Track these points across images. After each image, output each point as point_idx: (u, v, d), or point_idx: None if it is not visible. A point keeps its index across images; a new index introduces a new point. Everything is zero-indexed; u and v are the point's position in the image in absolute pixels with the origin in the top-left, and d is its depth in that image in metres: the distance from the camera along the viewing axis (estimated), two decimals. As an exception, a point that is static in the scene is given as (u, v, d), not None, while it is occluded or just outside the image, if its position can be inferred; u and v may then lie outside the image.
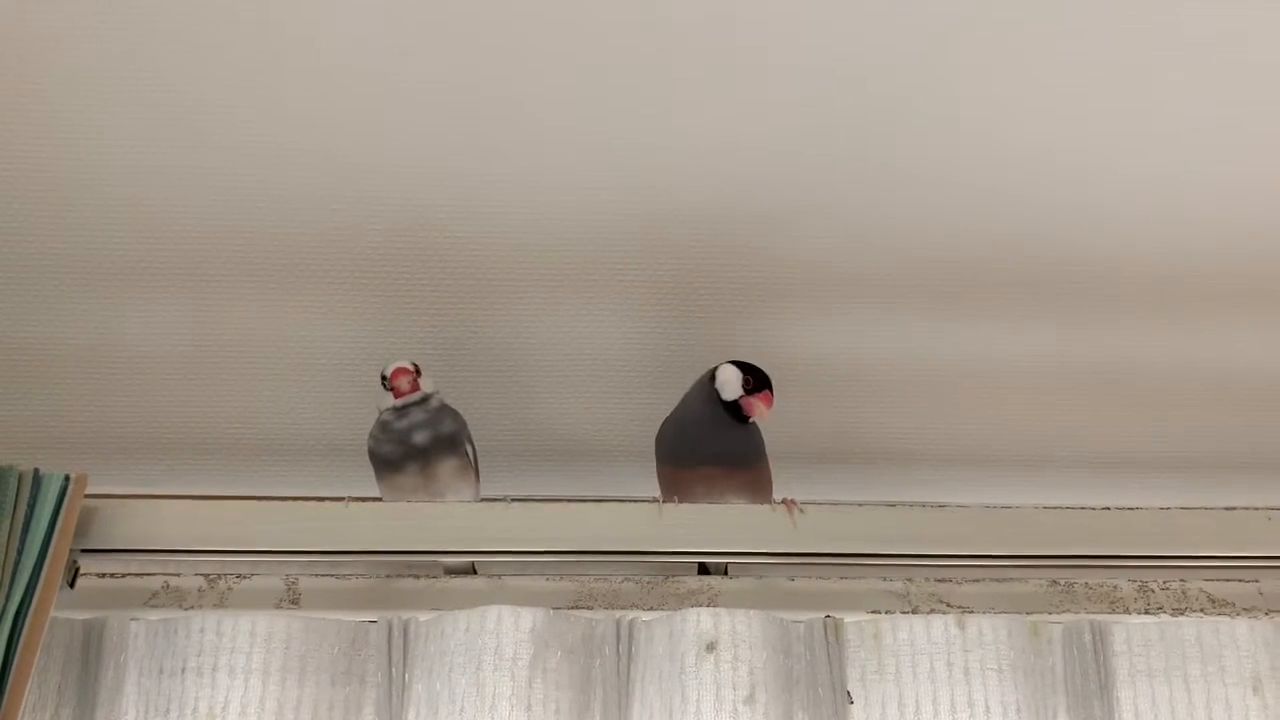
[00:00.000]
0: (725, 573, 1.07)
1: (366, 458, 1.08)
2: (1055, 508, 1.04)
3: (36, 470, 0.95)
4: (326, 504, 1.04)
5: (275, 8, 0.96)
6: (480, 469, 1.10)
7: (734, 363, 1.06)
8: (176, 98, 1.01)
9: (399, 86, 1.01)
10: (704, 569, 1.07)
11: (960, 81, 1.01)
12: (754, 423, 1.06)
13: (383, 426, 1.07)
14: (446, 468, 1.06)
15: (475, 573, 1.07)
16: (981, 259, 1.13)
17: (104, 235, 1.09)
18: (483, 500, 1.08)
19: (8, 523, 0.92)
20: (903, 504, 1.03)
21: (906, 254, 1.12)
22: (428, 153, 1.05)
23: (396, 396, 1.07)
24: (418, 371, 1.08)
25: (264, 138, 1.04)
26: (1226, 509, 1.05)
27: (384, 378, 1.08)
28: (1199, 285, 1.15)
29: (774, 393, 1.05)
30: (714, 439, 1.05)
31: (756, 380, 1.05)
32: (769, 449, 1.08)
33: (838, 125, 1.04)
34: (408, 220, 1.09)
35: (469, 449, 1.09)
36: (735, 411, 1.05)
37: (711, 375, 1.06)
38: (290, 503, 1.05)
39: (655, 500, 1.03)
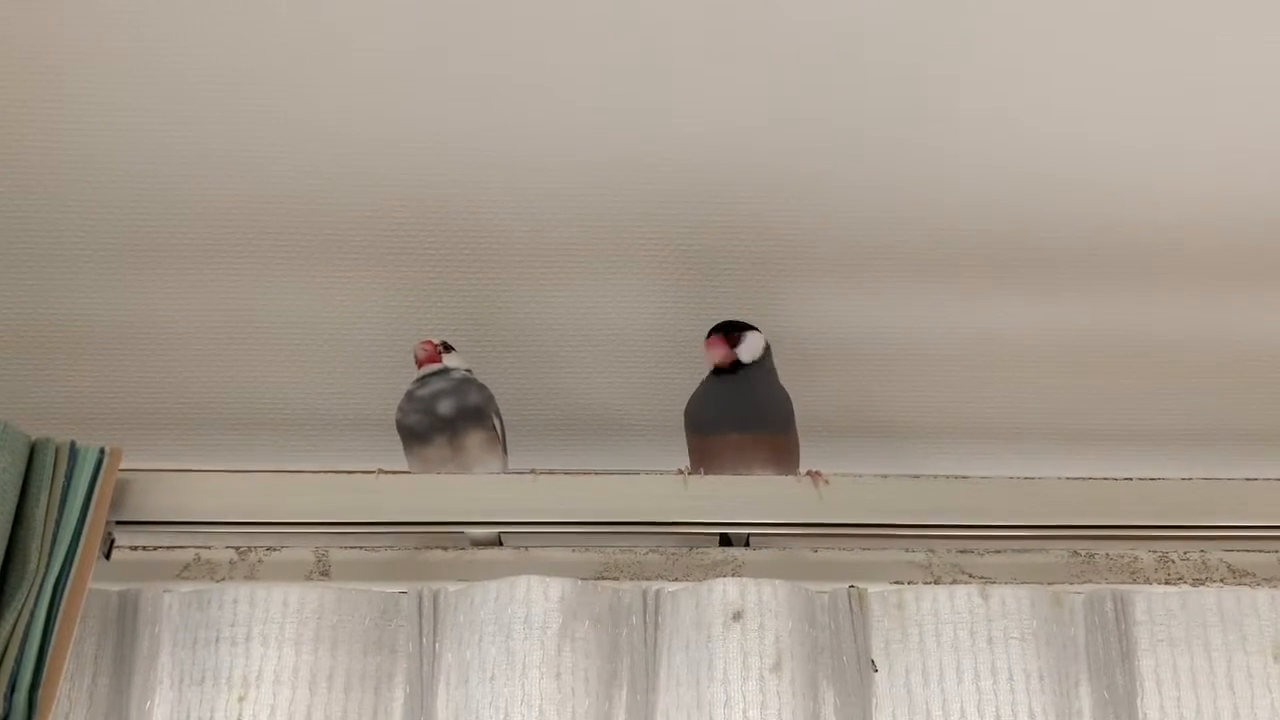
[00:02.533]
0: (747, 544, 1.08)
1: (394, 431, 1.09)
2: (1076, 479, 1.05)
3: (73, 443, 0.97)
4: (356, 476, 1.04)
5: (299, 5, 0.97)
6: (508, 443, 1.12)
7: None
8: (208, 80, 1.02)
9: (424, 68, 1.02)
10: (725, 540, 1.08)
11: (977, 59, 1.02)
12: (782, 389, 1.08)
13: (408, 396, 1.09)
14: (474, 440, 1.08)
15: (501, 544, 1.08)
16: (1003, 232, 1.14)
17: (136, 214, 1.10)
18: (510, 472, 1.09)
19: (45, 494, 0.94)
20: (925, 476, 1.04)
21: (928, 228, 1.13)
22: (453, 132, 1.06)
23: (418, 365, 1.10)
24: (444, 346, 1.10)
25: (292, 118, 1.05)
26: (1247, 479, 1.05)
27: (415, 353, 1.11)
28: (1220, 256, 1.15)
29: (722, 335, 1.08)
30: (736, 404, 1.06)
31: (710, 331, 1.08)
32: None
33: (857, 99, 1.05)
34: (434, 197, 1.10)
35: (496, 422, 1.10)
36: (718, 371, 1.08)
37: None
38: (320, 475, 1.07)
39: (681, 471, 1.04)
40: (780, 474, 1.06)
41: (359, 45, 1.01)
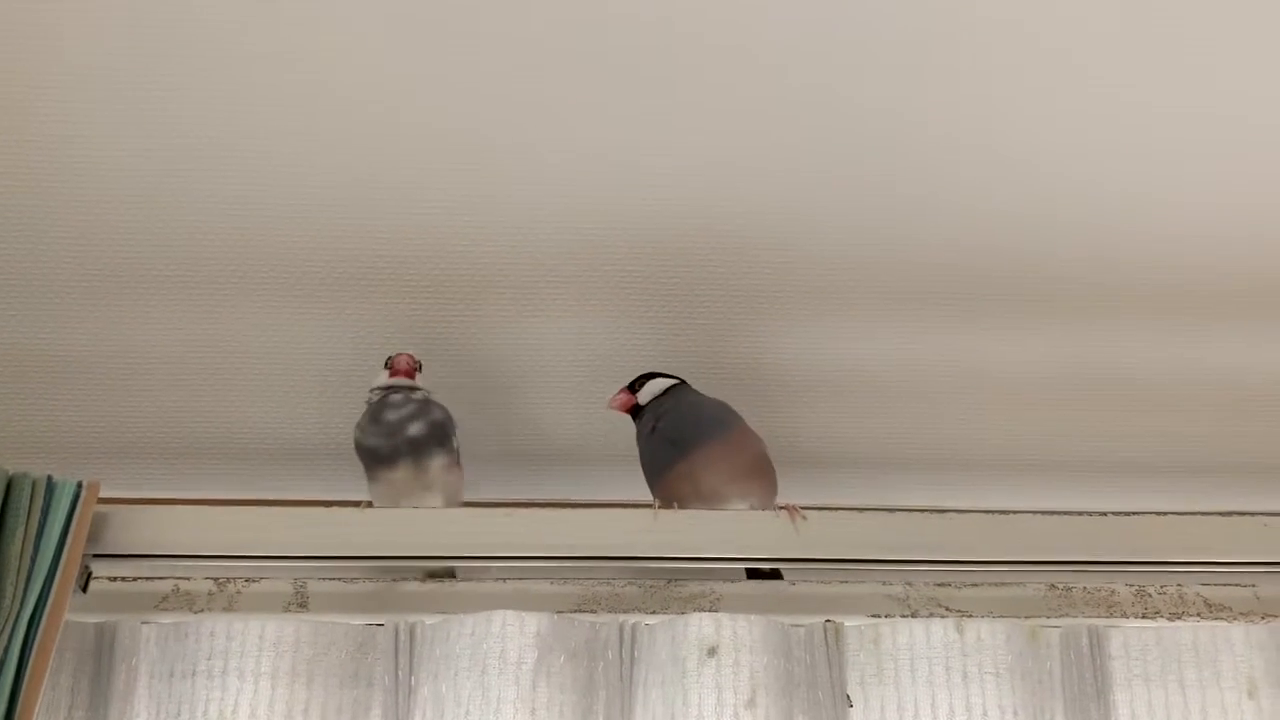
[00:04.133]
0: (780, 575, 1.08)
1: (374, 462, 1.09)
2: (1053, 513, 1.05)
3: (50, 477, 0.97)
4: (334, 509, 1.05)
5: (276, 33, 0.98)
6: (466, 471, 1.12)
7: None
8: (191, 118, 1.04)
9: (397, 107, 1.03)
10: (754, 574, 1.08)
11: (955, 91, 1.03)
12: (708, 399, 1.10)
13: (371, 417, 1.08)
14: (437, 463, 1.07)
15: (455, 577, 1.08)
16: (979, 266, 1.14)
17: (116, 246, 1.11)
18: (485, 505, 1.09)
19: (21, 529, 0.94)
20: (902, 509, 1.04)
21: (904, 261, 1.13)
22: (423, 165, 1.07)
23: (392, 374, 1.09)
24: (419, 366, 1.11)
25: (265, 155, 1.06)
26: (1223, 514, 1.06)
27: (388, 360, 1.10)
28: (1197, 291, 1.16)
29: (626, 389, 1.11)
30: (663, 435, 1.07)
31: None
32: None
33: (835, 137, 1.05)
34: (406, 229, 1.11)
35: (455, 444, 1.10)
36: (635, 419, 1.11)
37: None
38: (298, 508, 1.07)
39: (653, 506, 1.04)
40: (752, 477, 1.06)
41: (336, 88, 1.02)
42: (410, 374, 1.10)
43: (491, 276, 1.14)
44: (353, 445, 1.09)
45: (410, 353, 1.11)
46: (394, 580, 1.07)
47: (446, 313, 1.16)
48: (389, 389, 1.09)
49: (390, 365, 1.10)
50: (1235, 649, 1.01)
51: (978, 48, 1.00)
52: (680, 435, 1.06)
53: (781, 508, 1.04)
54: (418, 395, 1.09)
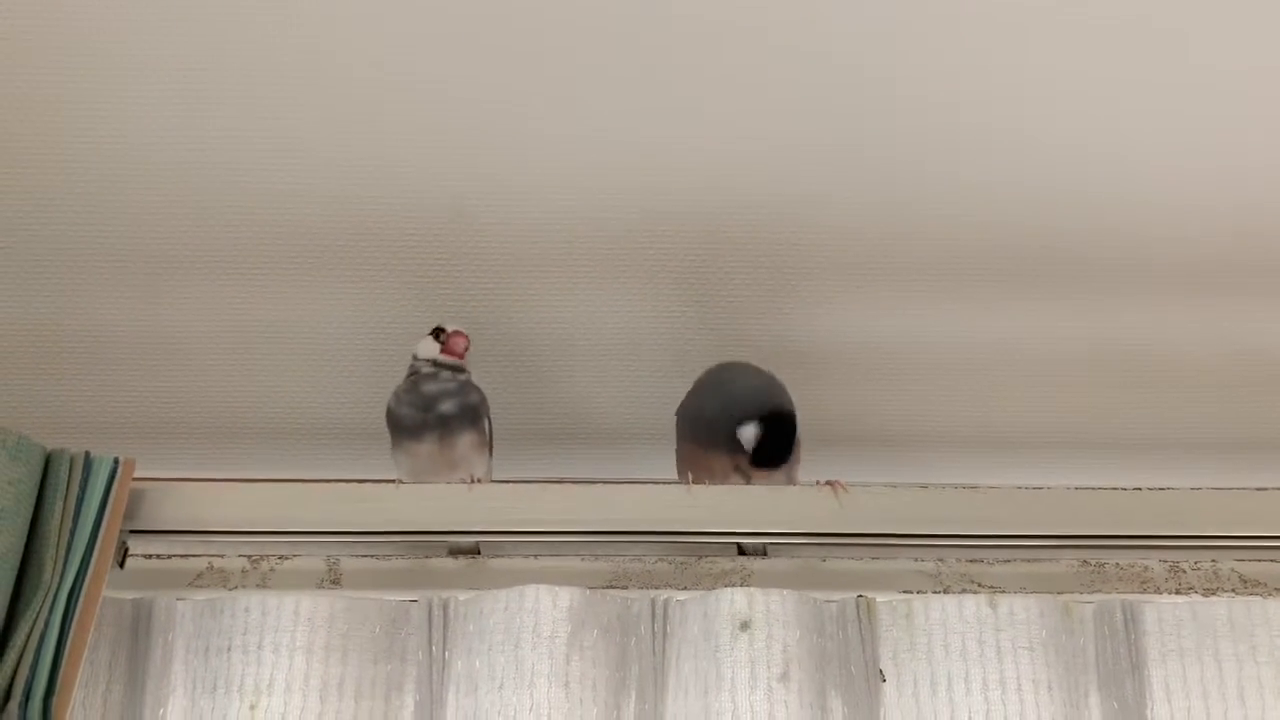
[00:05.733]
0: (764, 554, 1.08)
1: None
2: (1086, 488, 1.05)
3: (88, 454, 0.98)
4: (366, 486, 1.06)
5: (306, 20, 0.99)
6: (495, 449, 1.12)
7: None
8: (227, 97, 1.04)
9: (424, 85, 1.03)
10: (741, 549, 1.08)
11: (983, 72, 1.02)
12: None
13: (410, 387, 1.08)
14: (466, 441, 1.07)
15: (480, 553, 1.08)
16: (1010, 241, 1.14)
17: (152, 225, 1.12)
18: (520, 482, 1.10)
19: (60, 505, 0.95)
20: (934, 485, 1.04)
21: (933, 238, 1.13)
22: (452, 144, 1.07)
23: (444, 351, 1.08)
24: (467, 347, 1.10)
25: (299, 136, 1.07)
26: (1258, 489, 1.05)
27: (440, 330, 1.09)
28: (1227, 263, 1.15)
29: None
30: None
31: None
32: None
33: (863, 117, 1.06)
34: (439, 207, 1.11)
35: (487, 425, 1.10)
36: None
37: None
38: (330, 485, 1.08)
39: (687, 482, 1.05)
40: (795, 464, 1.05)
41: (360, 64, 1.02)
42: (462, 355, 1.09)
43: (523, 253, 1.15)
44: (384, 425, 1.10)
45: (465, 333, 1.10)
46: (426, 557, 1.08)
47: (480, 289, 1.17)
48: (437, 364, 1.09)
49: (444, 342, 1.09)
50: (1271, 623, 1.00)
51: (1001, 30, 0.99)
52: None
53: (827, 483, 1.03)
54: (462, 376, 1.09)
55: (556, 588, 0.99)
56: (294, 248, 1.13)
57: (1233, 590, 1.06)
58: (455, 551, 1.07)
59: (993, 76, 1.03)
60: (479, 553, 1.08)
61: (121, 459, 0.99)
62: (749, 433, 1.02)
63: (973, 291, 1.16)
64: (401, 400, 1.08)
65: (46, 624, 0.91)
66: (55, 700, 0.89)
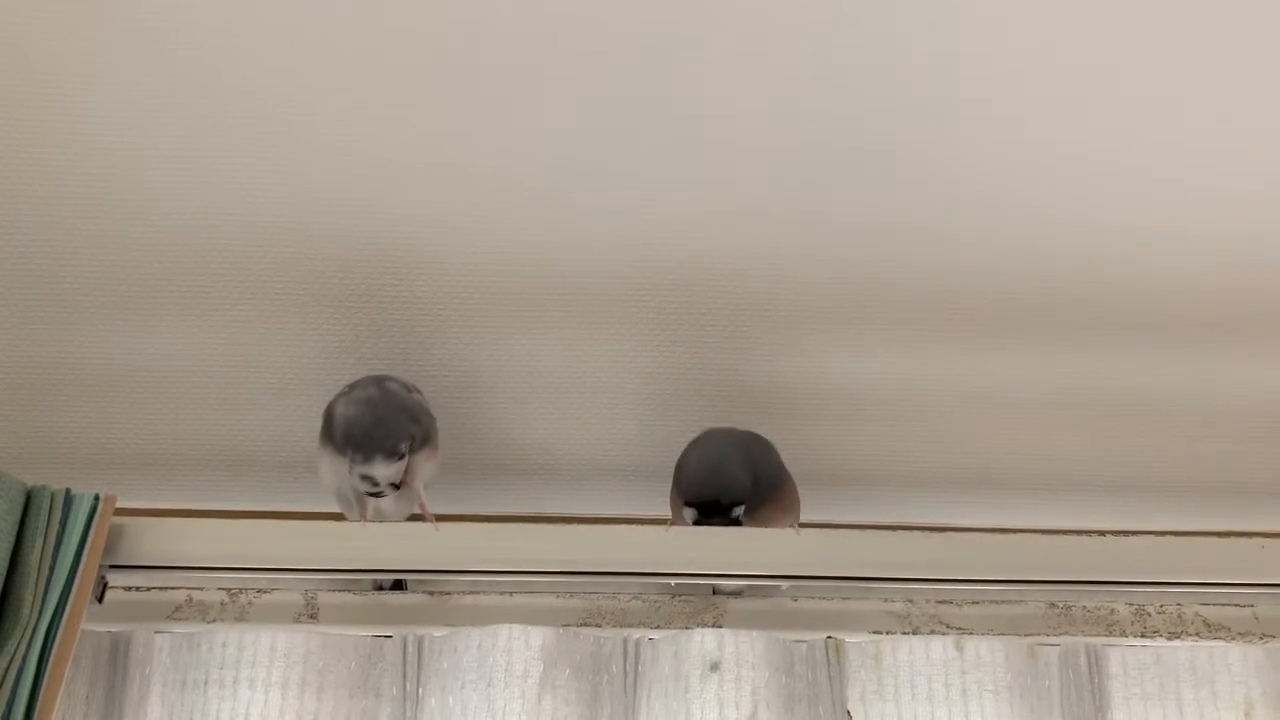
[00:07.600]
0: (738, 594, 1.09)
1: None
2: (1054, 532, 1.06)
3: (68, 490, 0.99)
4: (342, 523, 1.08)
5: (257, 57, 1.01)
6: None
7: None
8: (209, 129, 1.05)
9: (388, 125, 1.05)
10: (715, 589, 1.09)
11: (966, 121, 1.04)
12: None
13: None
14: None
15: (405, 588, 1.10)
16: (986, 285, 1.15)
17: (132, 259, 1.12)
18: (490, 521, 1.11)
19: (40, 541, 0.96)
20: (903, 527, 1.06)
21: (906, 280, 1.14)
22: (420, 183, 1.09)
23: None
24: None
25: (266, 172, 1.08)
26: (1222, 534, 1.07)
27: None
28: (1196, 311, 1.16)
29: None
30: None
31: None
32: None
33: (843, 164, 1.07)
34: (409, 249, 1.12)
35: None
36: None
37: None
38: (307, 521, 1.09)
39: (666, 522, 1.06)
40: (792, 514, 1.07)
41: (321, 100, 1.04)
42: None
43: (490, 293, 1.15)
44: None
45: None
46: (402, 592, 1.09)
47: (446, 329, 1.17)
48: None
49: None
50: (1233, 670, 1.02)
51: (984, 76, 1.01)
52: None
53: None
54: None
55: (529, 627, 1.00)
56: (272, 283, 1.14)
57: (1197, 634, 1.08)
58: (378, 587, 1.09)
59: (980, 131, 1.05)
60: (404, 587, 1.09)
61: (102, 495, 1.00)
62: (689, 514, 1.04)
63: (944, 336, 1.18)
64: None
65: (25, 658, 0.92)
66: (32, 734, 0.90)
